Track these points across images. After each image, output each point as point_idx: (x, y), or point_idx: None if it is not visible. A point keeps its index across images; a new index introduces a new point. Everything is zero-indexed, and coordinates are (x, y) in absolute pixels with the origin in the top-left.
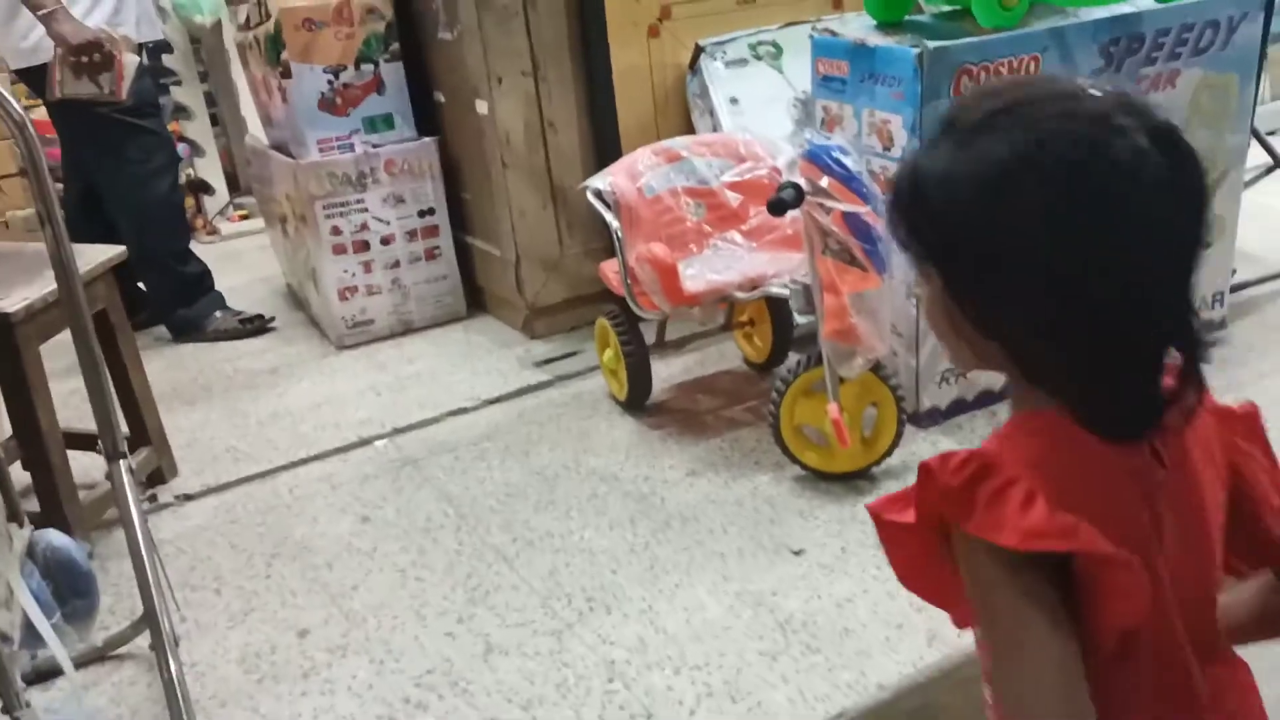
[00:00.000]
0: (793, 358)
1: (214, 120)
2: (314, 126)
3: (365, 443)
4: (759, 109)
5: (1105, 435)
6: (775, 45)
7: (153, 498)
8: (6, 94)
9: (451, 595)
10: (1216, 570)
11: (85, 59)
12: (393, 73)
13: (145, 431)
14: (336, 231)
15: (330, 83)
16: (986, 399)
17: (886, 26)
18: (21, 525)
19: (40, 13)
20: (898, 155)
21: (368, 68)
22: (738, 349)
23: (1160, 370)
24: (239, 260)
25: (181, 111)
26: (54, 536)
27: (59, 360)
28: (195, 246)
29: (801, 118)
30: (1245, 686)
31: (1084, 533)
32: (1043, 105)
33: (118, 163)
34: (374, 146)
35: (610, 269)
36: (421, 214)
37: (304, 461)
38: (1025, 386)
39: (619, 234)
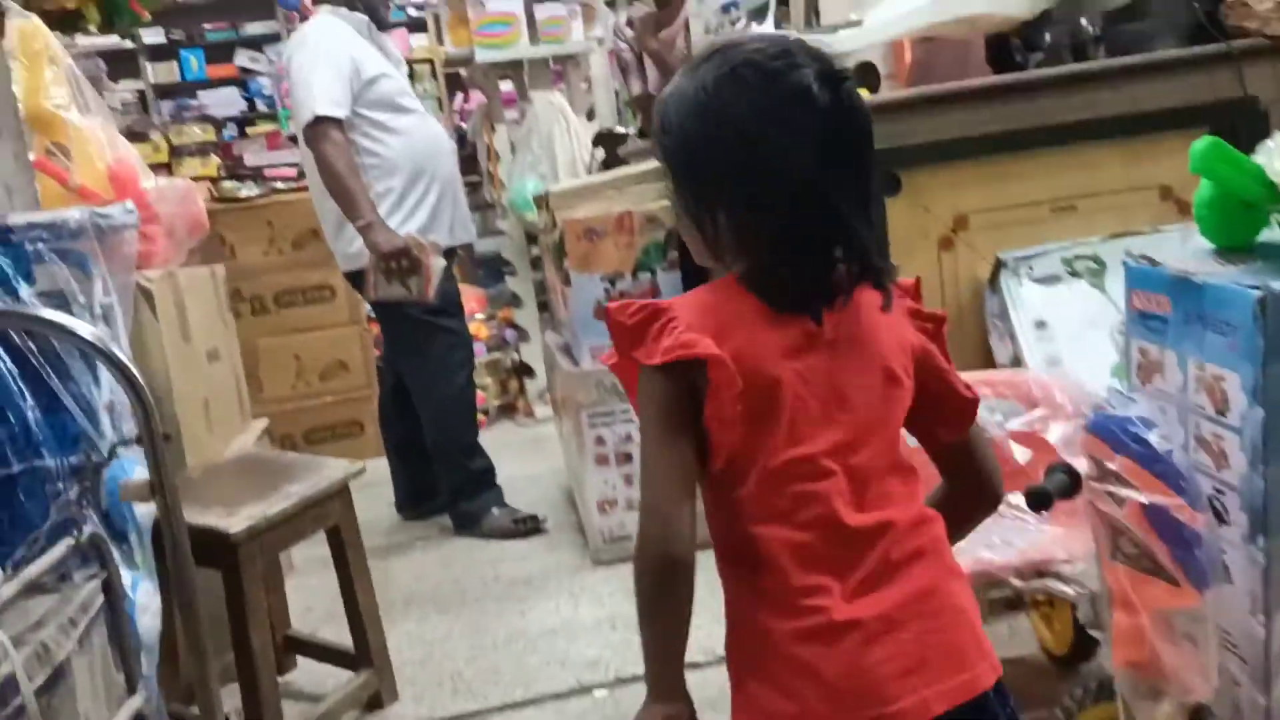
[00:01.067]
0: (1085, 677)
1: (542, 308)
2: (588, 333)
3: (585, 690)
4: (1074, 335)
5: (772, 306)
6: (1097, 260)
7: None
8: (125, 358)
9: None
10: (887, 423)
11: (395, 265)
12: (670, 282)
13: (369, 651)
14: (600, 441)
15: (606, 290)
16: None
17: (1228, 253)
18: None
19: (358, 224)
20: (1235, 423)
21: (645, 276)
22: (1032, 629)
23: (826, 264)
24: (543, 447)
25: (514, 299)
26: None
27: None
28: (512, 428)
29: (1126, 344)
30: (928, 542)
31: (701, 344)
32: (747, 44)
33: (421, 359)
34: None
35: None
36: None
37: (518, 705)
38: (723, 269)
39: None
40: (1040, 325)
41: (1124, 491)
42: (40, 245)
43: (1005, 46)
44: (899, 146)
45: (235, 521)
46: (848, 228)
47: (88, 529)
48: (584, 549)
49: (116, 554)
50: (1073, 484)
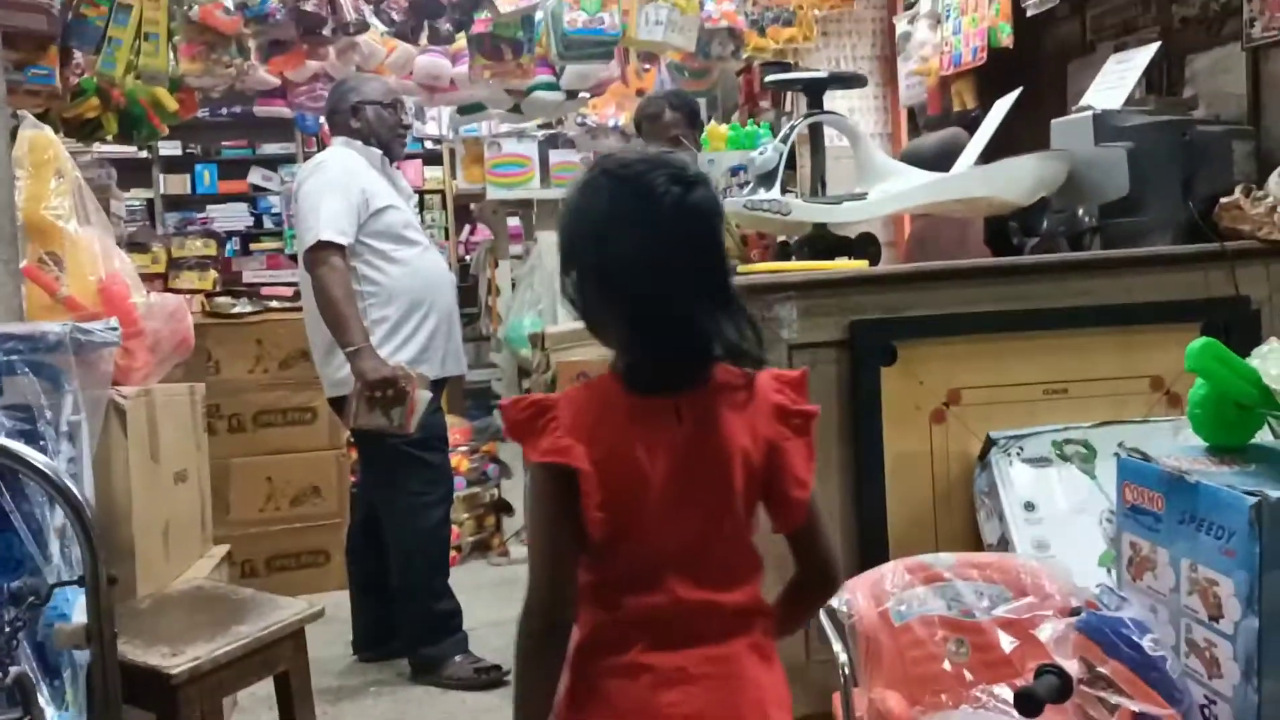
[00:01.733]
0: None
1: None
2: None
3: None
4: (1062, 520)
5: (631, 389)
6: (1088, 446)
7: None
8: (79, 495)
9: None
10: (732, 511)
11: (380, 394)
12: None
13: None
14: None
15: None
16: None
17: (1221, 452)
18: None
19: (348, 349)
20: (1228, 630)
21: None
22: None
23: (675, 346)
24: (515, 590)
25: (499, 434)
26: None
27: None
28: (483, 567)
29: (1117, 537)
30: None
31: (573, 452)
32: (615, 156)
33: (397, 492)
34: None
35: (840, 705)
36: None
37: None
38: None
39: (846, 669)
40: (1029, 507)
41: (1116, 698)
42: (14, 357)
43: (1003, 228)
44: (896, 318)
45: (178, 662)
46: (691, 315)
47: (14, 670)
48: None
49: (46, 691)
50: (1063, 687)
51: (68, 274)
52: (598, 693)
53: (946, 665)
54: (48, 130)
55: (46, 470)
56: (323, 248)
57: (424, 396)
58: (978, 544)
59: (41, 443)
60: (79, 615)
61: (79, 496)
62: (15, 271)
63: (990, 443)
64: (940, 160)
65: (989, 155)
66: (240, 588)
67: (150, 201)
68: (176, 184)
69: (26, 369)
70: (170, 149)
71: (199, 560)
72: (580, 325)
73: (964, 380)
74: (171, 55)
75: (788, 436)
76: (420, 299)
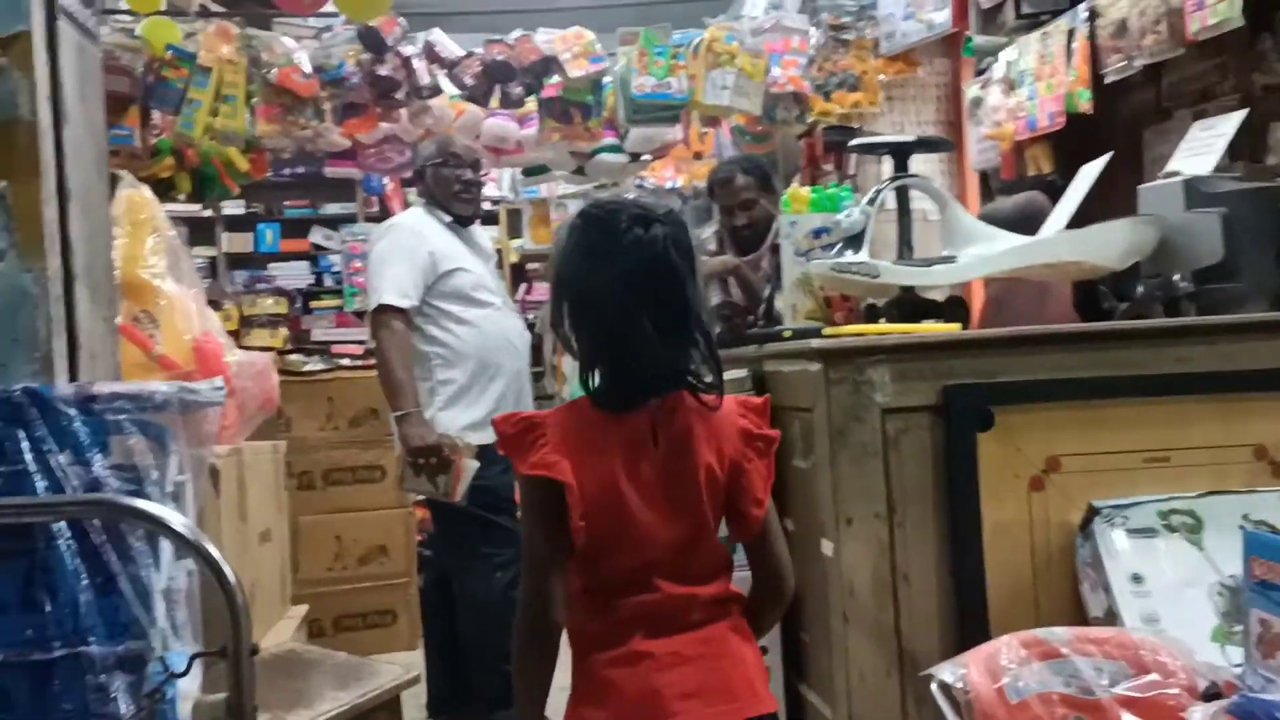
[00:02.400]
0: None
1: None
2: None
3: None
4: (1171, 593)
5: (603, 409)
6: (1194, 516)
7: None
8: (219, 558)
9: None
10: (702, 523)
11: (424, 461)
12: None
13: None
14: None
15: None
16: None
17: None
18: None
19: (396, 414)
20: None
21: None
22: None
23: (642, 370)
24: None
25: None
26: None
27: None
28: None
29: (1230, 611)
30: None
31: (558, 467)
32: (596, 201)
33: (466, 553)
34: None
35: None
36: None
37: None
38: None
39: None
40: (1136, 579)
41: None
42: (122, 416)
43: (1094, 293)
44: (991, 382)
45: None
46: (654, 341)
47: None
48: None
49: None
50: None
51: (162, 332)
52: (604, 683)
53: None
54: (145, 190)
55: (186, 534)
56: (384, 311)
57: (470, 466)
58: (1081, 617)
59: None
60: (186, 684)
61: (219, 560)
62: (114, 329)
63: (1094, 512)
64: (1019, 223)
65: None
66: (334, 651)
67: (213, 260)
68: (239, 242)
69: (134, 428)
70: (234, 208)
71: (280, 621)
72: None
73: (1063, 447)
74: (249, 116)
75: (750, 459)
76: (489, 360)
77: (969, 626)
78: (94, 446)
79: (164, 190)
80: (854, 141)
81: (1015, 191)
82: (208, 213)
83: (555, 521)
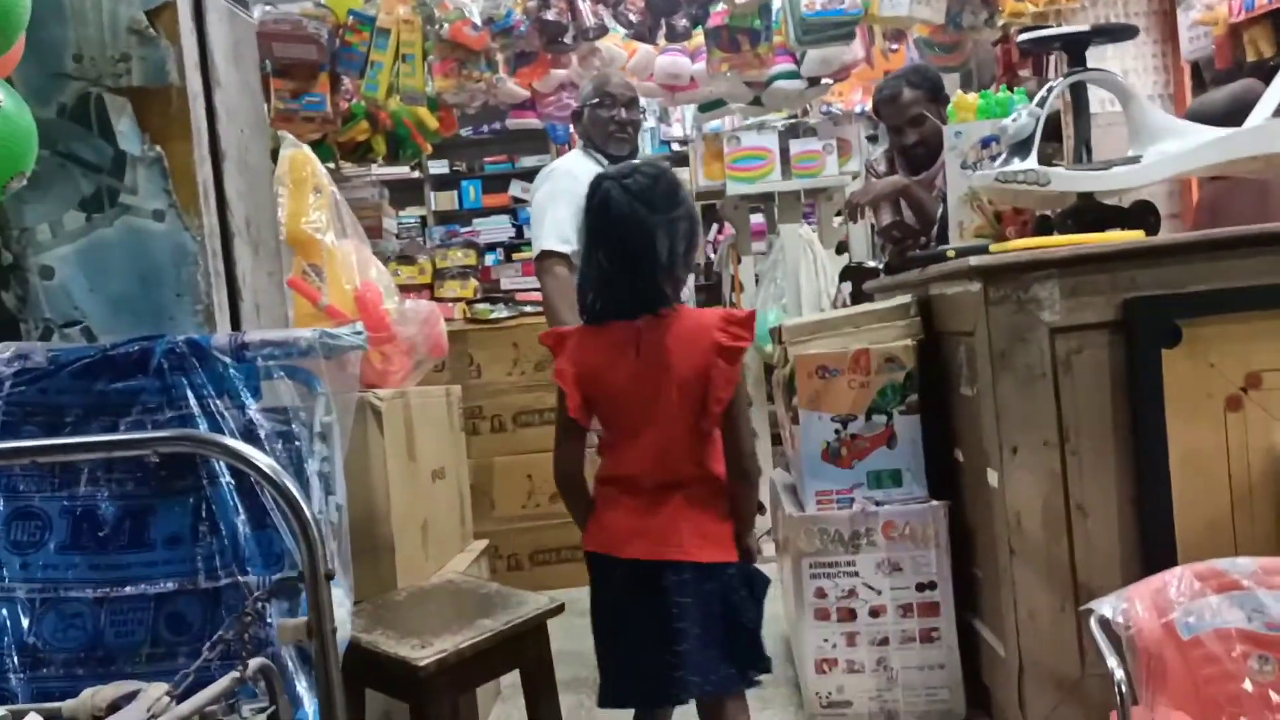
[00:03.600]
0: None
1: (775, 441)
2: (815, 477)
3: None
4: None
5: (595, 322)
6: None
7: None
8: (296, 492)
9: None
10: (672, 414)
11: None
12: (907, 426)
13: None
14: (821, 594)
15: (837, 432)
16: None
17: None
18: None
19: None
20: None
21: (879, 419)
22: None
23: (627, 294)
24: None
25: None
26: None
27: None
28: None
29: None
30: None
31: (565, 374)
32: (619, 165)
33: None
34: (875, 504)
35: None
36: (921, 587)
37: None
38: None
39: (1124, 685)
40: None
41: None
42: (271, 362)
43: None
44: (1180, 294)
45: (426, 654)
46: (634, 273)
47: (253, 662)
48: (798, 710)
49: (305, 681)
50: None
51: (327, 284)
52: (599, 516)
53: (1248, 685)
54: (306, 149)
55: (265, 468)
56: (546, 256)
57: None
58: None
59: (297, 443)
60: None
61: (294, 492)
62: (279, 283)
63: None
64: (1232, 117)
65: None
66: (488, 582)
67: (423, 218)
68: (445, 200)
69: (282, 373)
70: (439, 168)
71: (458, 555)
72: (816, 317)
73: (1264, 362)
74: (427, 74)
75: (717, 365)
76: None
77: (1155, 562)
78: (248, 390)
79: (362, 153)
80: (1022, 36)
81: (1230, 82)
82: (417, 174)
83: (578, 409)
